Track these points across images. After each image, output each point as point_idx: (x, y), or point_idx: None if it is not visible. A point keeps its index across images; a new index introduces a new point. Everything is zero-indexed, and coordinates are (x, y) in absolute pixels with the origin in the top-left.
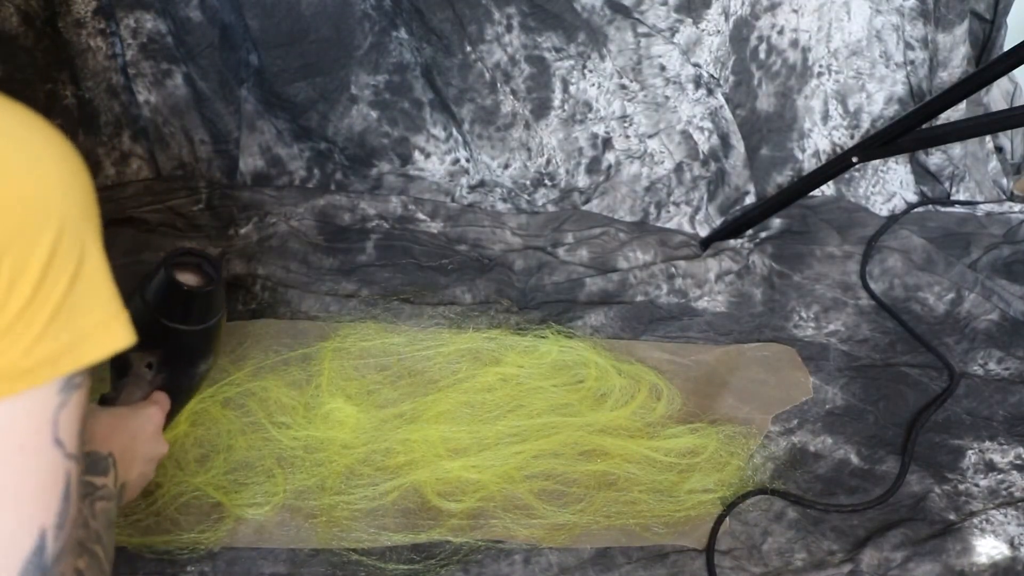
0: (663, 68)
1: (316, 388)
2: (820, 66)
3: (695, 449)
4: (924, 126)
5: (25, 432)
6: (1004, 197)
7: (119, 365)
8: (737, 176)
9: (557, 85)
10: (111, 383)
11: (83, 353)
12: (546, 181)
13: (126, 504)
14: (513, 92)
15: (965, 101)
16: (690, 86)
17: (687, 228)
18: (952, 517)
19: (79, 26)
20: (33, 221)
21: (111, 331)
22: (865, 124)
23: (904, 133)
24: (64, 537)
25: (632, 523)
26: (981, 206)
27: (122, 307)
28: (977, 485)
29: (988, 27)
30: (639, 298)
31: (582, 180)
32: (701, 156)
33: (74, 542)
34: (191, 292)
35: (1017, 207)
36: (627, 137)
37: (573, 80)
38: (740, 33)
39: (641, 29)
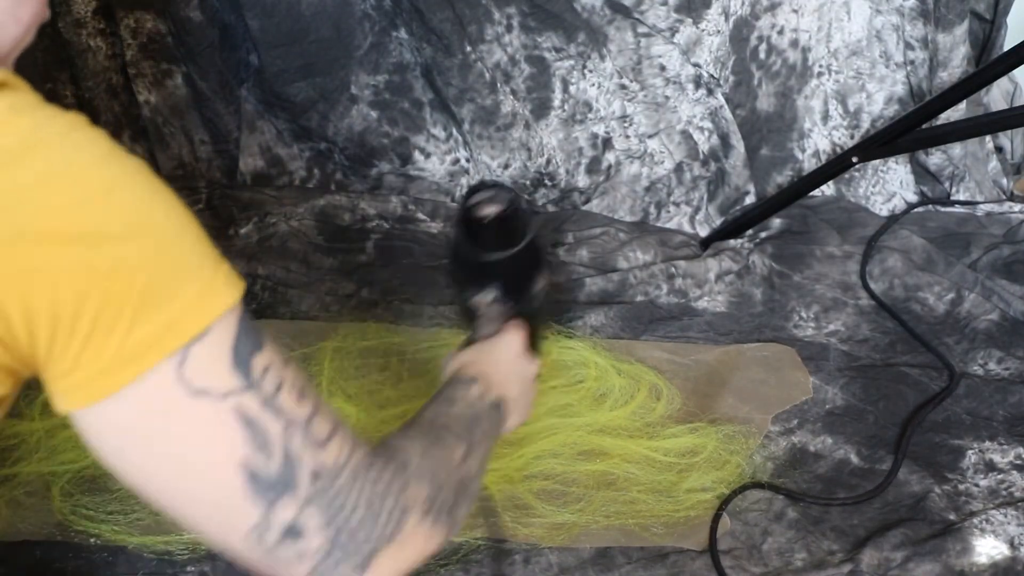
0: (663, 68)
1: (316, 388)
2: (820, 66)
3: (694, 449)
4: (924, 126)
5: (158, 400)
6: (1004, 197)
7: (467, 312)
8: (737, 176)
9: (557, 85)
10: (465, 329)
11: (183, 330)
12: (546, 181)
13: (515, 427)
14: (513, 92)
15: (965, 101)
16: (690, 86)
17: (687, 228)
18: (952, 517)
19: (79, 26)
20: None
21: (209, 299)
22: (865, 124)
23: (904, 133)
24: (279, 447)
25: (632, 523)
26: (981, 206)
27: (220, 267)
28: (977, 485)
29: (988, 27)
30: (639, 298)
31: (582, 180)
32: (701, 156)
33: (311, 438)
34: (487, 222)
35: (1017, 207)
36: (627, 137)
37: (573, 80)
38: (740, 33)
39: (641, 29)
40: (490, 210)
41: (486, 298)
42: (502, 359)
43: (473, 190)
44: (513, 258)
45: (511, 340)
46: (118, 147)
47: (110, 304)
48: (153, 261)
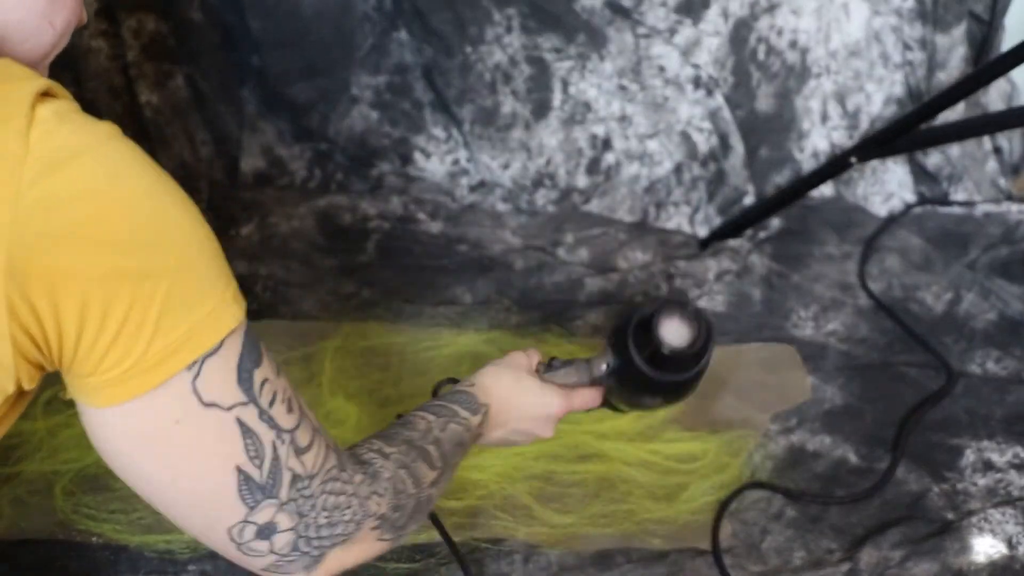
0: (662, 69)
1: (317, 387)
2: (819, 67)
3: (694, 452)
4: (922, 127)
5: (173, 409)
6: (1002, 197)
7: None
8: (736, 176)
9: (557, 86)
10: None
11: (199, 343)
12: (546, 181)
13: (480, 446)
14: (513, 93)
15: (963, 102)
16: (689, 87)
17: (686, 228)
18: (950, 516)
19: (81, 27)
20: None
21: (223, 314)
22: (864, 124)
23: (902, 133)
24: (269, 454)
25: (632, 527)
26: (979, 206)
27: (231, 284)
28: (975, 484)
29: (986, 28)
30: (638, 298)
31: (582, 180)
32: (700, 156)
33: (294, 446)
34: (673, 353)
35: (1015, 207)
36: (626, 138)
37: (573, 81)
38: (739, 34)
39: (640, 30)
40: (676, 331)
41: (606, 359)
42: (521, 414)
43: (663, 304)
44: (652, 380)
45: (548, 405)
46: (149, 159)
47: (136, 310)
48: (177, 272)
